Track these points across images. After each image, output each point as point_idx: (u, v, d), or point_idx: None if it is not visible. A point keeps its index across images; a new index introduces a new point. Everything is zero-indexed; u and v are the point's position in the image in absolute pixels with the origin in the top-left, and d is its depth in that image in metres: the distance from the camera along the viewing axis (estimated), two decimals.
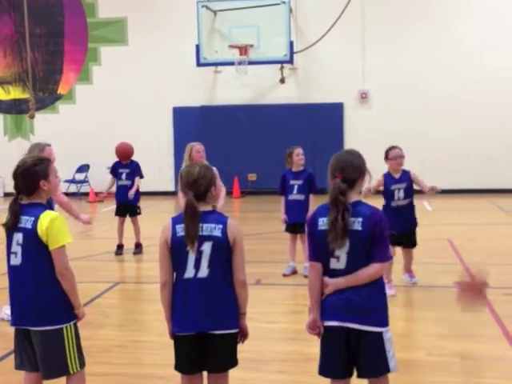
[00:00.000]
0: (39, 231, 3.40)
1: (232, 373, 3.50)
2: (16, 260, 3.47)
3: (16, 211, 3.46)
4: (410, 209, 6.73)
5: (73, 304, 3.51)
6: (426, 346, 5.11)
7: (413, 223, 6.81)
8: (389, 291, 6.05)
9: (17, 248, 3.47)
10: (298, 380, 4.58)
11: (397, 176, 6.65)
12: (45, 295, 3.44)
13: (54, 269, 3.44)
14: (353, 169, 3.28)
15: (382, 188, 6.64)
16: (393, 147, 6.67)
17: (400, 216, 6.51)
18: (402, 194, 6.58)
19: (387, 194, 6.64)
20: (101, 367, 4.73)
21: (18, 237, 3.46)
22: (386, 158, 6.65)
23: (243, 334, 3.46)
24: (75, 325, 3.55)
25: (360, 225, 3.18)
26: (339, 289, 3.21)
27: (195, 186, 3.32)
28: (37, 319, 3.44)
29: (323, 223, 3.23)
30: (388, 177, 6.69)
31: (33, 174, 3.48)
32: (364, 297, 3.20)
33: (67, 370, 3.51)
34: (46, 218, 3.41)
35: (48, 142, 6.02)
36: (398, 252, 6.77)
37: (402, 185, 6.61)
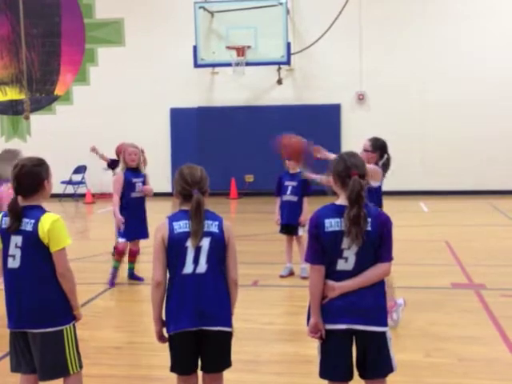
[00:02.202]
0: (40, 233, 3.38)
1: (229, 374, 3.49)
2: (14, 263, 3.44)
3: (18, 213, 3.41)
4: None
5: (72, 305, 3.50)
6: (423, 347, 5.10)
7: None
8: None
9: (15, 251, 3.43)
10: (294, 381, 4.57)
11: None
12: (46, 297, 3.43)
13: (54, 270, 3.43)
14: (361, 168, 3.27)
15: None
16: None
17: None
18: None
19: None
20: (97, 369, 4.72)
21: (17, 239, 3.42)
22: None
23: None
24: (74, 326, 3.55)
25: (370, 225, 3.17)
26: (345, 291, 3.20)
27: (200, 185, 3.41)
28: (38, 321, 3.42)
29: (331, 225, 3.18)
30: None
31: (38, 174, 3.47)
32: (369, 297, 3.20)
33: (67, 371, 3.50)
34: (47, 220, 3.40)
35: (45, 142, 5.98)
36: None
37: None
